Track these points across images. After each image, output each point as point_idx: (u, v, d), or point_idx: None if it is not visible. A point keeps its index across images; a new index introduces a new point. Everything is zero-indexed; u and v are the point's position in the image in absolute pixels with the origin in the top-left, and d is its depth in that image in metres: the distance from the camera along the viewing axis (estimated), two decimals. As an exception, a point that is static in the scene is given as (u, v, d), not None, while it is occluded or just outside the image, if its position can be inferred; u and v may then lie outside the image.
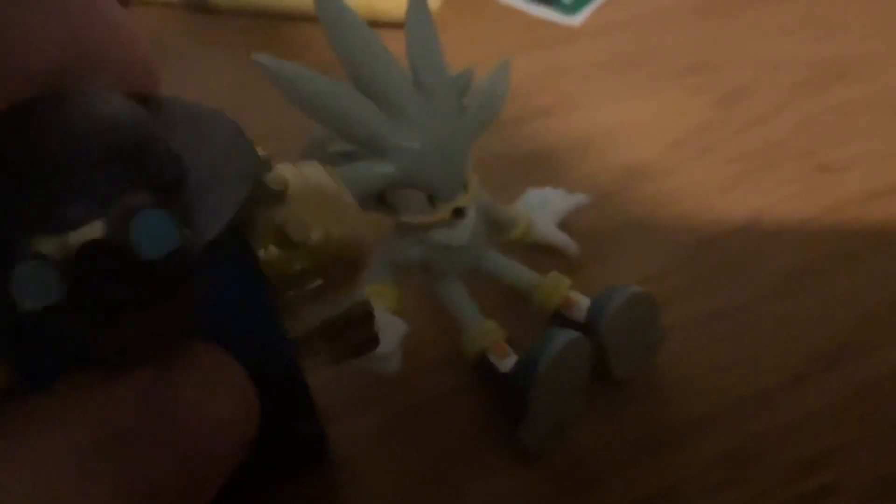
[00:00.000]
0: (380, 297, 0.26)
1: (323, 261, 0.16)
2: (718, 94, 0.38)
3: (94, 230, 0.11)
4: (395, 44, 0.23)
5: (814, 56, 0.40)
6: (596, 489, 0.24)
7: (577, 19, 0.43)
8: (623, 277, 0.28)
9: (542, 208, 0.30)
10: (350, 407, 0.27)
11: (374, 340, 0.19)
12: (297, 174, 0.16)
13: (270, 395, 0.14)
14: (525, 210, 0.30)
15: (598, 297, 0.25)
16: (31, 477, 0.10)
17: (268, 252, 0.15)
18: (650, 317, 0.25)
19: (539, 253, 0.30)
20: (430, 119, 0.24)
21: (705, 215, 0.32)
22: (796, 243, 0.31)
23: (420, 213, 0.25)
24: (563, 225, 0.31)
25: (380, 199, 0.25)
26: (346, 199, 0.17)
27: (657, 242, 0.31)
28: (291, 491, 0.25)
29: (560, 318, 0.26)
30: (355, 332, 0.18)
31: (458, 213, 0.25)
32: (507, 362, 0.25)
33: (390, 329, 0.25)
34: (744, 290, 0.29)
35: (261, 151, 0.15)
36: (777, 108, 0.37)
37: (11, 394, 0.13)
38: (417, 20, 0.23)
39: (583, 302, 0.26)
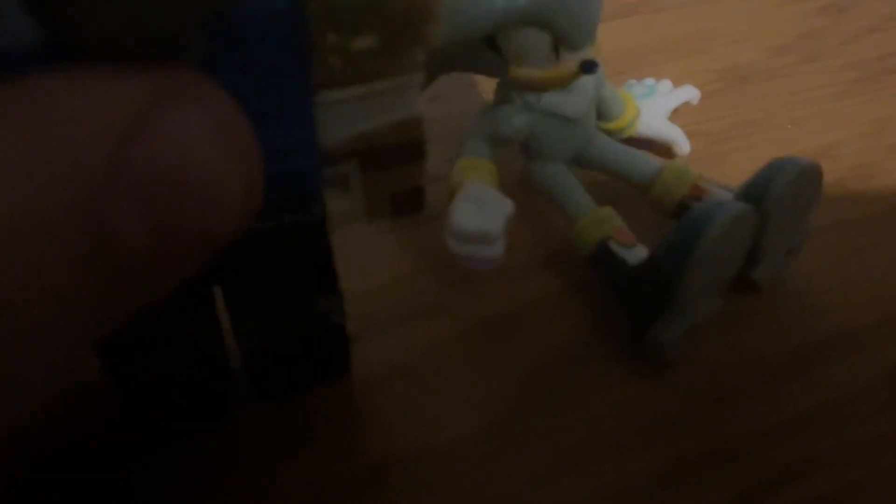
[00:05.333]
0: (476, 172, 0.22)
1: None
2: (820, 3, 0.34)
3: None
4: None
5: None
6: (732, 410, 0.20)
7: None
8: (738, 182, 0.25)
9: (649, 99, 0.26)
10: (429, 311, 0.23)
11: (420, 197, 0.16)
12: None
13: (285, 234, 0.12)
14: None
15: (762, 171, 0.20)
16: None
17: None
18: (812, 198, 0.21)
19: (642, 149, 0.26)
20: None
21: (822, 121, 0.28)
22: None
23: (540, 64, 0.20)
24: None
25: (491, 44, 0.21)
26: None
27: (773, 146, 0.27)
28: (348, 413, 0.20)
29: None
30: (399, 169, 0.15)
31: (587, 67, 0.21)
32: (634, 252, 0.21)
33: (494, 206, 0.21)
34: (873, 200, 0.26)
35: None
36: (886, 19, 0.33)
37: None
38: None
39: (716, 191, 0.22)
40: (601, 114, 0.25)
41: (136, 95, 0.09)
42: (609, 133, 0.25)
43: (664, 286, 0.19)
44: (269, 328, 0.18)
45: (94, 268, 0.09)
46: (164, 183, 0.09)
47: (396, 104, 0.14)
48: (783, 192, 0.20)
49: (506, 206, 0.21)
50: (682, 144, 0.26)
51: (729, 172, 0.25)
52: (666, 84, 0.27)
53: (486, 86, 0.24)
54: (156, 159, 0.09)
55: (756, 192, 0.20)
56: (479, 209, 0.21)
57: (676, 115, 0.27)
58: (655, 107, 0.26)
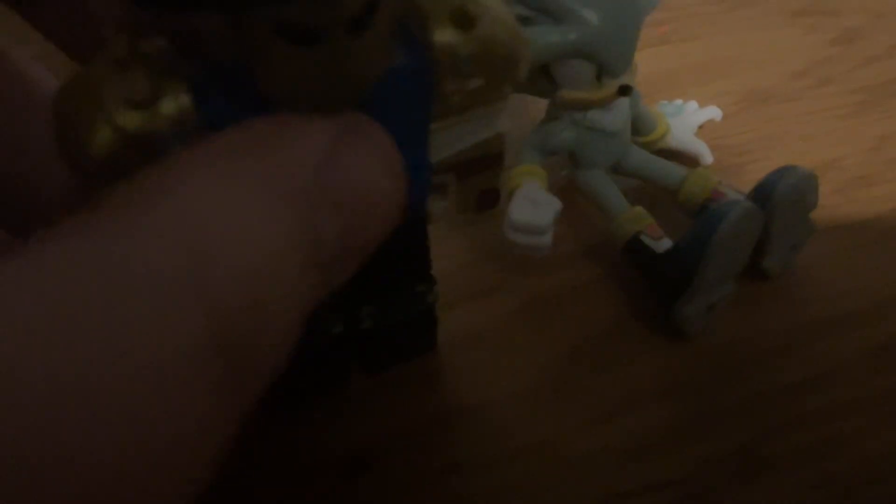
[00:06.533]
0: (530, 176, 0.26)
1: (490, 47, 0.15)
2: (833, 34, 0.38)
3: None
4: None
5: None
6: (742, 375, 0.24)
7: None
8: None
9: (678, 117, 0.31)
10: (490, 290, 0.27)
11: (496, 195, 0.19)
12: None
13: (396, 234, 0.13)
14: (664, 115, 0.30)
15: (769, 176, 0.25)
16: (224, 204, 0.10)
17: (443, 32, 0.14)
18: (811, 200, 0.25)
19: (671, 159, 0.30)
20: (608, -6, 0.24)
21: (830, 138, 0.32)
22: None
23: (585, 88, 0.25)
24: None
25: (545, 71, 0.25)
26: (506, 8, 0.16)
27: (785, 159, 0.31)
28: (429, 369, 0.24)
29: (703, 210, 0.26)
30: (485, 174, 0.18)
31: (623, 90, 0.25)
32: (662, 243, 0.25)
33: (545, 203, 0.25)
34: (872, 206, 0.29)
35: None
36: (892, 48, 0.37)
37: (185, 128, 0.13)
38: None
39: (732, 194, 0.26)
40: (636, 129, 0.29)
41: (325, 135, 0.12)
42: (643, 145, 0.29)
43: (686, 270, 0.23)
44: (382, 311, 0.21)
45: (305, 263, 0.11)
46: (351, 200, 0.12)
47: (488, 125, 0.17)
48: (785, 194, 0.24)
49: (555, 204, 0.25)
50: (706, 156, 0.30)
51: (746, 180, 0.29)
52: (692, 104, 0.32)
53: (539, 105, 0.27)
54: (344, 183, 0.12)
55: (763, 193, 0.24)
56: (533, 206, 0.25)
57: (702, 131, 0.31)
58: (683, 123, 0.30)
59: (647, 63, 0.35)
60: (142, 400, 0.09)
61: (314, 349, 0.21)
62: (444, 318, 0.24)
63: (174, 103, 0.12)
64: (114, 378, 0.08)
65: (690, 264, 0.23)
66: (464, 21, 0.14)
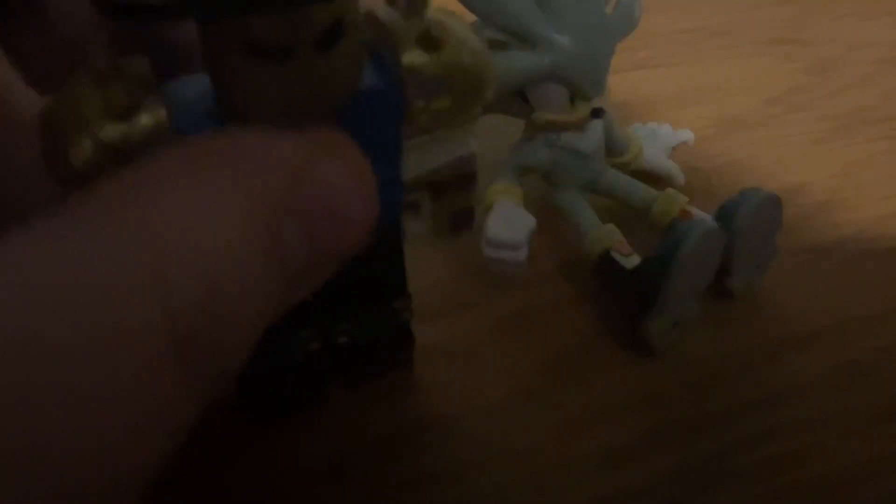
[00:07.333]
0: (506, 194, 0.27)
1: (455, 69, 0.16)
2: (807, 64, 0.39)
3: None
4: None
5: (894, 38, 0.41)
6: (710, 390, 0.25)
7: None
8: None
9: (651, 139, 0.32)
10: (466, 306, 0.28)
11: (470, 215, 0.20)
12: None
13: (371, 251, 0.14)
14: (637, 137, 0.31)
15: (732, 198, 0.25)
16: (197, 212, 0.11)
17: (411, 55, 0.15)
18: (775, 222, 0.26)
19: (643, 180, 0.31)
20: (581, 19, 0.25)
21: (800, 162, 0.33)
22: (888, 192, 0.32)
23: (559, 110, 0.26)
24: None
25: (521, 94, 0.26)
26: (472, 33, 0.17)
27: (755, 181, 0.32)
28: (405, 382, 0.25)
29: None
30: (458, 194, 0.19)
31: (596, 113, 0.26)
32: (631, 260, 0.26)
33: (520, 221, 0.26)
34: (838, 230, 0.30)
35: None
36: (864, 78, 0.38)
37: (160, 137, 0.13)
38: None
39: (700, 215, 0.27)
40: (610, 150, 0.30)
41: (298, 148, 0.12)
42: (616, 166, 0.30)
43: (652, 286, 0.24)
44: (358, 326, 0.21)
45: (267, 270, 0.11)
46: (320, 213, 0.12)
47: (459, 145, 0.18)
48: (748, 216, 0.25)
49: (530, 221, 0.26)
50: (677, 177, 0.31)
51: (717, 202, 0.30)
52: (666, 127, 0.33)
53: (514, 127, 0.28)
54: (315, 197, 0.12)
55: (727, 214, 0.25)
56: (509, 223, 0.26)
57: (674, 154, 0.32)
58: (656, 145, 0.31)
59: (624, 88, 0.36)
60: (100, 381, 0.09)
61: (292, 365, 0.21)
62: (420, 331, 0.24)
63: (151, 116, 0.13)
64: (75, 357, 0.09)
65: (656, 281, 0.24)
66: (430, 44, 0.15)
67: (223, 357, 0.11)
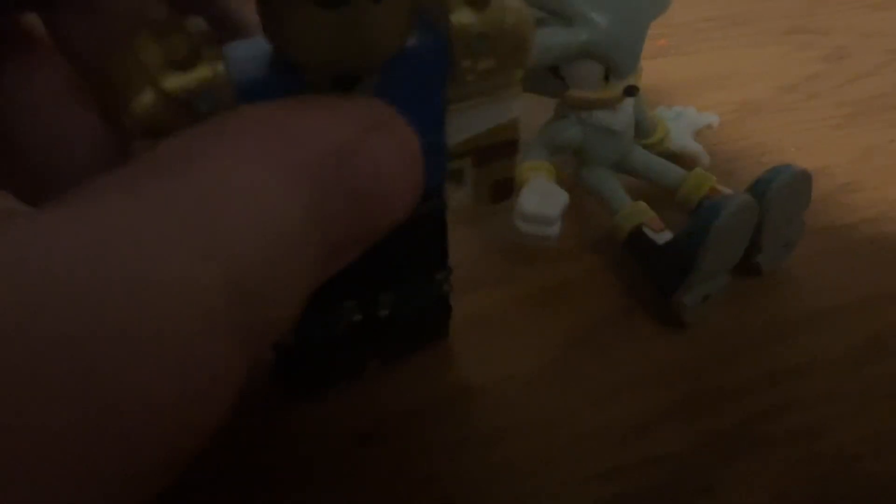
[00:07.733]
0: (538, 171, 0.28)
1: (500, 29, 0.16)
2: (822, 52, 0.40)
3: None
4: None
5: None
6: (734, 362, 0.26)
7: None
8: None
9: (677, 122, 0.32)
10: (496, 280, 0.28)
11: (510, 186, 0.20)
12: None
13: (415, 223, 0.14)
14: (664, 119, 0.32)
15: (765, 173, 0.26)
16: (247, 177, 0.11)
17: (459, 13, 0.15)
18: (804, 199, 0.27)
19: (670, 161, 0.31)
20: (617, -2, 0.25)
21: (820, 147, 0.34)
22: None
23: (592, 88, 0.26)
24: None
25: (555, 71, 0.26)
26: None
27: (777, 164, 0.32)
28: (438, 353, 0.26)
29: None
30: (500, 162, 0.19)
31: (630, 91, 0.26)
32: (662, 235, 0.26)
33: (554, 196, 0.26)
34: (860, 211, 0.31)
35: None
36: (878, 66, 0.39)
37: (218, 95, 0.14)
38: None
39: (729, 193, 0.27)
40: (638, 132, 0.31)
41: (350, 122, 0.13)
42: (644, 147, 0.31)
43: (685, 260, 0.24)
44: (400, 298, 0.22)
45: (315, 236, 0.12)
46: (367, 192, 0.13)
47: (502, 111, 0.18)
48: (780, 190, 0.25)
49: (563, 197, 0.27)
50: (703, 158, 0.32)
51: (740, 183, 0.31)
52: (691, 110, 0.33)
53: (546, 108, 0.29)
54: (363, 175, 0.13)
55: (759, 189, 0.26)
56: (543, 197, 0.26)
57: (700, 136, 0.33)
58: (682, 127, 0.32)
59: (645, 74, 0.37)
60: (170, 331, 0.10)
61: (332, 337, 0.22)
62: (453, 304, 0.25)
63: (210, 68, 0.14)
64: (132, 318, 0.09)
65: (689, 255, 0.24)
66: (476, 4, 0.16)
67: (275, 315, 0.11)
